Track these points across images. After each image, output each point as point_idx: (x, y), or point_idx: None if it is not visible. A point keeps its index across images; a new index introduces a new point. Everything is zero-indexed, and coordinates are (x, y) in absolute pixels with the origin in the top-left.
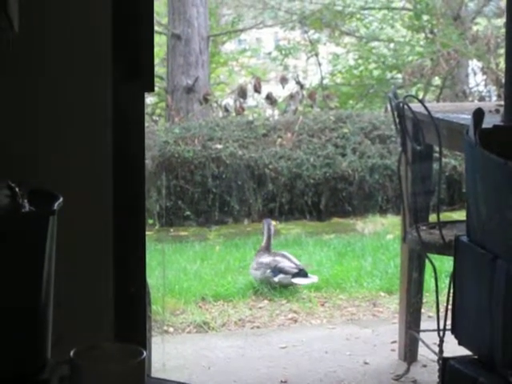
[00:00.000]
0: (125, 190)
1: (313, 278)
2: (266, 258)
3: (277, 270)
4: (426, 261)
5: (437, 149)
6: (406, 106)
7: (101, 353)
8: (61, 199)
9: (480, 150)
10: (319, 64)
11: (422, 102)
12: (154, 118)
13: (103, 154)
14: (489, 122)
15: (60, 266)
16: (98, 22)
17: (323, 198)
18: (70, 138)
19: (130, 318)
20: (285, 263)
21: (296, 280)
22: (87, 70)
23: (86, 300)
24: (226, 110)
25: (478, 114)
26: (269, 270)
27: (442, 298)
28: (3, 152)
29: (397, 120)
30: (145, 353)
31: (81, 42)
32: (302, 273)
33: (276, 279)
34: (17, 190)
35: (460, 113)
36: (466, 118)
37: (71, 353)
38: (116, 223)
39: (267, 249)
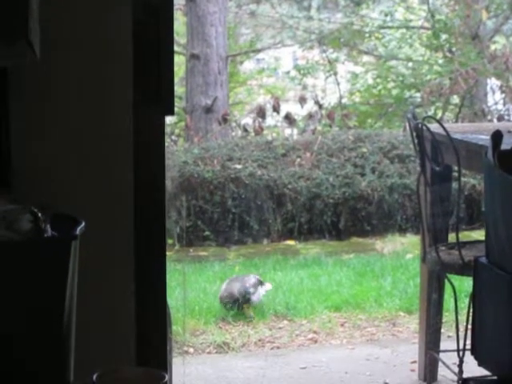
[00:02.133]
0: (145, 213)
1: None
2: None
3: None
4: (446, 281)
5: (456, 169)
6: (424, 127)
7: (123, 376)
8: (83, 224)
9: (498, 171)
10: (338, 83)
11: (440, 122)
12: (173, 138)
13: (124, 178)
14: (507, 142)
15: (81, 289)
16: (119, 47)
17: (342, 218)
18: (91, 162)
19: (152, 339)
20: (250, 280)
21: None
22: (107, 94)
23: (108, 322)
24: (245, 129)
25: (497, 136)
26: (252, 289)
27: (462, 318)
28: (24, 177)
29: (416, 141)
30: (166, 377)
31: (101, 67)
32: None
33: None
34: (39, 215)
35: (479, 133)
36: (485, 139)
37: (94, 376)
38: (137, 246)
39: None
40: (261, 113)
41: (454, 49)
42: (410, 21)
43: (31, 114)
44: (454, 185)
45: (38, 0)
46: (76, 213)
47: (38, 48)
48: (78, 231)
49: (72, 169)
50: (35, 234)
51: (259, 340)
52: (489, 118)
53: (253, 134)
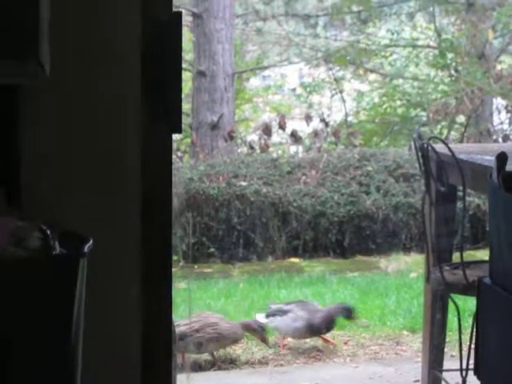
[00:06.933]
0: (152, 230)
1: None
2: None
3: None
4: (449, 300)
5: (460, 189)
6: (430, 147)
7: None
8: (91, 241)
9: (503, 193)
10: (344, 101)
11: (445, 143)
12: (179, 154)
13: (131, 196)
14: None
15: (88, 306)
16: (127, 65)
17: (347, 236)
18: (99, 180)
19: (157, 356)
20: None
21: None
22: (115, 112)
23: (113, 339)
24: (251, 147)
25: (502, 158)
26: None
27: (465, 338)
28: (34, 195)
29: (421, 161)
30: None
31: (109, 85)
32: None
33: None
34: (48, 232)
35: (484, 154)
36: (490, 160)
37: None
38: (143, 263)
39: None
40: (267, 130)
41: (460, 68)
42: (417, 40)
43: (40, 131)
44: (459, 204)
45: (47, 21)
46: (84, 230)
47: (49, 68)
48: (86, 249)
49: (80, 186)
50: (44, 251)
51: (263, 357)
52: (494, 137)
53: (258, 151)
